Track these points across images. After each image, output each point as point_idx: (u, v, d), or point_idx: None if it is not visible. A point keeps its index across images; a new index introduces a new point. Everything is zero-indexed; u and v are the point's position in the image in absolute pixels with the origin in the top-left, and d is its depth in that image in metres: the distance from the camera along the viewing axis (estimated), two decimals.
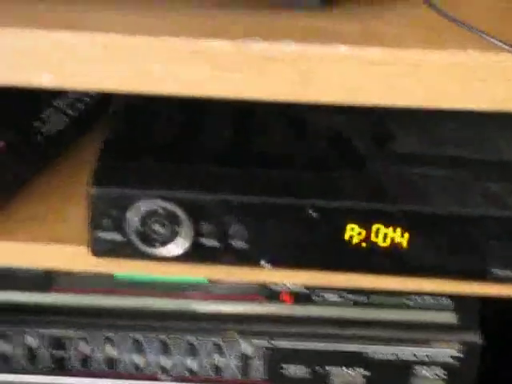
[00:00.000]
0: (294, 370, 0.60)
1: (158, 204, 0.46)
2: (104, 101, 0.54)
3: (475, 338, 0.58)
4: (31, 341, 0.62)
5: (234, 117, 0.53)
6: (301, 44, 0.39)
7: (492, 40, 0.38)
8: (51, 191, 0.55)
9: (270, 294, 0.60)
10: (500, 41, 0.37)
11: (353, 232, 0.46)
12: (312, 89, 0.40)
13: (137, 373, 0.62)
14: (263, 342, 0.59)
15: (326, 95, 0.40)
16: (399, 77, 0.39)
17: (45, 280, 0.60)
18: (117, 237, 0.48)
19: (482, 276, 0.46)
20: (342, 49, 0.39)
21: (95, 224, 0.47)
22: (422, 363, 0.58)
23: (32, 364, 0.62)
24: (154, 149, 0.50)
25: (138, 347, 0.60)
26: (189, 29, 0.40)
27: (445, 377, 0.58)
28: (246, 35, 0.40)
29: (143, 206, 0.46)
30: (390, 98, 0.40)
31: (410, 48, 0.39)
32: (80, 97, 0.56)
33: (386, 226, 0.47)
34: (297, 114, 0.52)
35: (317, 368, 0.59)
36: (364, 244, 0.46)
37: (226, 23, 0.41)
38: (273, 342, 0.59)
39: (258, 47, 0.38)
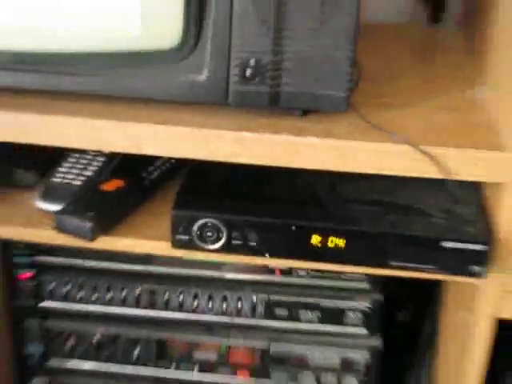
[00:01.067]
0: (280, 311, 0.97)
1: (209, 221, 0.81)
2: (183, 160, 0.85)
3: (379, 296, 0.97)
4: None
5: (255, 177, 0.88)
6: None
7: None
8: (150, 212, 0.90)
9: (268, 270, 0.97)
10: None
11: (316, 239, 0.81)
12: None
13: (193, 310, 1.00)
14: (264, 296, 0.97)
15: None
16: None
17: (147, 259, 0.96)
18: (185, 238, 0.82)
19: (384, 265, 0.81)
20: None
21: (174, 230, 0.83)
22: (350, 310, 0.97)
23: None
24: (209, 190, 0.88)
25: (198, 297, 0.97)
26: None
27: (362, 318, 0.95)
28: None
29: (201, 221, 0.81)
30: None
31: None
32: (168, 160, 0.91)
33: (335, 236, 0.81)
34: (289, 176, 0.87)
35: (292, 310, 0.99)
36: (320, 245, 0.81)
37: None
38: (270, 296, 0.98)
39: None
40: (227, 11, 0.76)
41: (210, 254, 0.85)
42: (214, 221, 0.82)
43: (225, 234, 0.82)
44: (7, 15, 0.79)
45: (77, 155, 0.95)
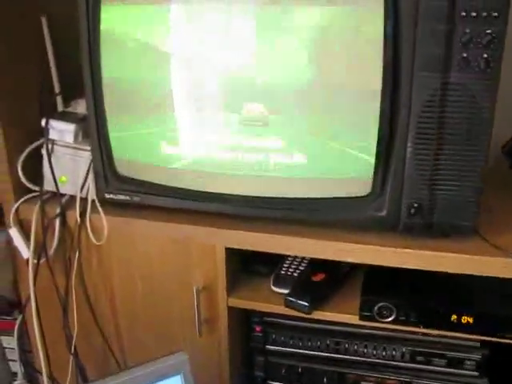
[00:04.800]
0: (419, 358, 1.15)
1: (384, 304, 1.02)
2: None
3: (487, 351, 1.12)
4: None
5: None
6: None
7: None
8: (343, 294, 1.15)
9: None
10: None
11: (453, 317, 1.00)
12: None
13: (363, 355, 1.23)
14: (410, 348, 1.19)
15: None
16: None
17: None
18: (368, 314, 1.03)
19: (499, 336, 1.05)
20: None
21: (362, 308, 1.09)
22: (466, 359, 1.17)
23: None
24: (383, 283, 1.12)
25: (367, 346, 1.20)
26: None
27: (475, 365, 1.17)
28: None
29: (379, 304, 1.08)
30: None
31: None
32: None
33: (466, 315, 1.00)
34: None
35: (427, 357, 1.19)
36: (456, 321, 1.06)
37: None
38: (414, 348, 1.20)
39: None
40: (400, 176, 1.00)
41: (384, 325, 1.09)
42: (388, 304, 1.01)
43: (394, 313, 1.00)
44: None
45: (292, 257, 1.22)
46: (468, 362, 1.17)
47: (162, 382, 0.98)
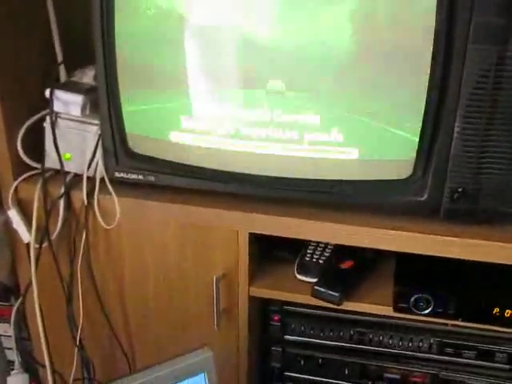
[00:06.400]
0: (448, 349, 1.11)
1: (422, 295, 0.93)
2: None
3: None
4: None
5: None
6: None
7: None
8: (373, 283, 1.07)
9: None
10: None
11: (496, 310, 0.92)
12: None
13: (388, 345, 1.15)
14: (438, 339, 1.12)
15: None
16: None
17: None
18: (404, 306, 0.95)
19: None
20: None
21: (396, 300, 1.01)
22: (498, 352, 1.10)
23: None
24: (417, 272, 1.04)
25: (393, 337, 1.13)
26: None
27: (507, 358, 1.09)
28: None
29: (416, 295, 0.99)
30: None
31: None
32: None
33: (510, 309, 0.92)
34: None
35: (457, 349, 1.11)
36: (498, 314, 0.98)
37: None
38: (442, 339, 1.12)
39: None
40: (445, 156, 0.91)
41: (420, 317, 1.01)
42: (425, 295, 0.92)
43: (432, 305, 0.92)
44: None
45: (315, 242, 1.12)
46: (499, 355, 1.10)
47: (184, 382, 0.89)
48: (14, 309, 1.21)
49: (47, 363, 1.13)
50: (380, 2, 0.87)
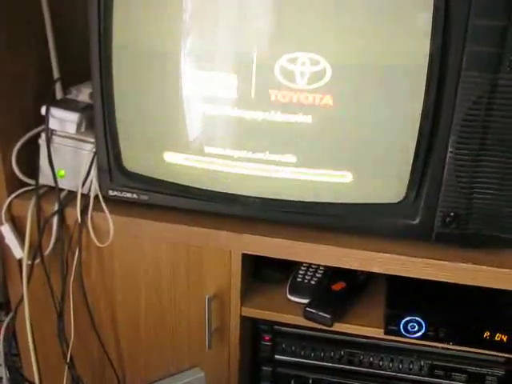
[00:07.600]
0: (438, 372, 1.09)
1: (413, 318, 0.93)
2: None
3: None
4: None
5: None
6: None
7: None
8: (363, 304, 1.07)
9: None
10: None
11: (486, 334, 0.92)
12: None
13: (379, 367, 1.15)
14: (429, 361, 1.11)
15: None
16: None
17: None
18: (394, 328, 0.94)
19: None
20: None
21: (386, 323, 1.00)
22: (488, 375, 1.09)
23: None
24: (409, 295, 1.04)
25: (383, 359, 1.13)
26: None
27: (497, 381, 1.10)
28: None
29: (407, 318, 1.00)
30: None
31: None
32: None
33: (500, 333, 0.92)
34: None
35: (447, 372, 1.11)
36: (488, 338, 0.98)
37: None
38: (432, 361, 1.12)
39: None
40: (438, 181, 0.92)
41: (411, 340, 1.02)
42: (416, 318, 0.92)
43: (423, 328, 0.92)
44: None
45: (307, 263, 1.12)
46: (489, 378, 1.10)
47: None
48: (4, 325, 1.20)
49: (36, 380, 1.12)
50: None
